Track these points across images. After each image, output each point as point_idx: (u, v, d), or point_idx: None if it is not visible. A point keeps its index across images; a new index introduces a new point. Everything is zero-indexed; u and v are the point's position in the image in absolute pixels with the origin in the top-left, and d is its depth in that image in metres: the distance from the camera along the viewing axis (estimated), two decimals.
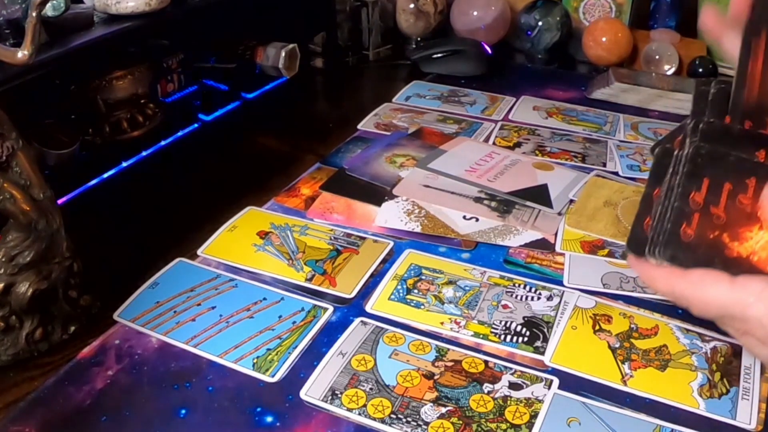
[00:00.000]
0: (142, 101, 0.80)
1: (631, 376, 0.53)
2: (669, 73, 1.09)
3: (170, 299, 0.60)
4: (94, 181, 0.77)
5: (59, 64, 0.67)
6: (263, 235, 0.69)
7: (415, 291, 0.62)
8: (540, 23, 1.13)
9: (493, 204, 0.74)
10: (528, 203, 0.74)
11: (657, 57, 1.10)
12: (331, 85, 1.13)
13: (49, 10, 0.66)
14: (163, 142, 0.84)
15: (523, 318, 0.59)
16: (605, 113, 0.97)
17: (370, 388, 0.52)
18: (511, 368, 0.54)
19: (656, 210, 0.45)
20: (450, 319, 0.59)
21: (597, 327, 0.58)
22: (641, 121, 0.95)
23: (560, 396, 0.51)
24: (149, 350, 0.55)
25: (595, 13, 1.18)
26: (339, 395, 0.51)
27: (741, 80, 0.44)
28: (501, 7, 1.17)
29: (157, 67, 0.83)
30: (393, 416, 0.50)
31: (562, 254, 0.67)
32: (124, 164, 0.80)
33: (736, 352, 0.55)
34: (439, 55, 1.09)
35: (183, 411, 0.50)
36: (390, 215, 0.72)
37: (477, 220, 0.71)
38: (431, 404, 0.51)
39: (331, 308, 0.60)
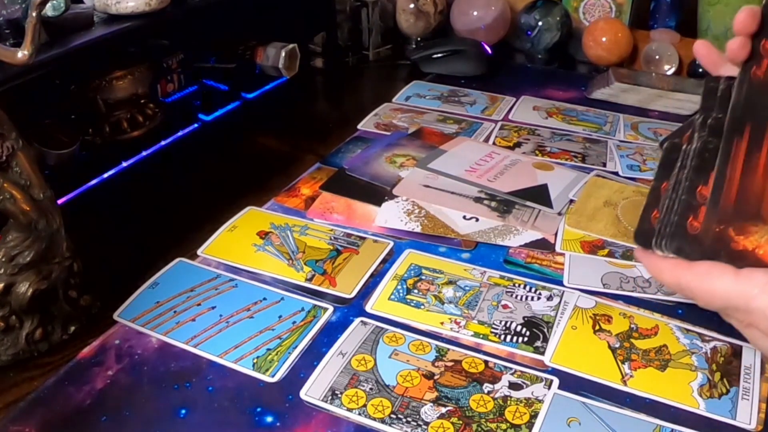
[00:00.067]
0: (142, 101, 0.80)
1: (631, 376, 0.53)
2: (669, 73, 1.09)
3: (170, 299, 0.60)
4: (94, 181, 0.77)
5: (59, 64, 0.67)
6: (263, 235, 0.69)
7: (415, 291, 0.62)
8: (540, 23, 1.13)
9: (493, 204, 0.74)
10: (528, 203, 0.74)
11: (657, 57, 1.10)
12: (331, 85, 1.13)
13: (49, 10, 0.66)
14: (163, 142, 0.84)
15: (523, 318, 0.59)
16: (605, 113, 0.97)
17: (370, 388, 0.52)
18: (511, 368, 0.54)
19: (664, 203, 0.46)
20: (450, 319, 0.59)
21: (597, 327, 0.58)
22: (641, 121, 0.95)
23: (560, 396, 0.51)
24: (149, 350, 0.55)
25: (595, 13, 1.18)
26: (339, 395, 0.51)
27: (720, 181, 0.44)
28: (501, 7, 1.17)
29: (157, 67, 0.83)
30: (393, 416, 0.50)
31: (562, 254, 0.67)
32: (124, 164, 0.80)
33: (736, 352, 0.55)
34: (439, 55, 1.09)
35: (183, 411, 0.50)
36: (390, 215, 0.72)
37: (477, 220, 0.71)
38: (431, 404, 0.51)
39: (331, 308, 0.60)
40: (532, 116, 0.95)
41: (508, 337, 0.57)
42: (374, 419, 0.49)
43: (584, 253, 0.67)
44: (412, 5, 1.16)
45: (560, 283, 0.63)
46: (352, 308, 0.60)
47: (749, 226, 0.43)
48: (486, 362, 0.54)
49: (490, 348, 0.56)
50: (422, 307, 0.60)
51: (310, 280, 0.63)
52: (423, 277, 0.63)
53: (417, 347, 0.56)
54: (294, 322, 0.58)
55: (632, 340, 0.56)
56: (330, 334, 0.57)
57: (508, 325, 0.58)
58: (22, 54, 0.52)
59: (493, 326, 0.58)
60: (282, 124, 0.95)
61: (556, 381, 0.53)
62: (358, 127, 0.92)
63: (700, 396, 0.51)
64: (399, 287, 0.62)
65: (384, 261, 0.65)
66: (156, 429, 0.49)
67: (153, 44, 0.83)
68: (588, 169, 0.82)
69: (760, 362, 0.54)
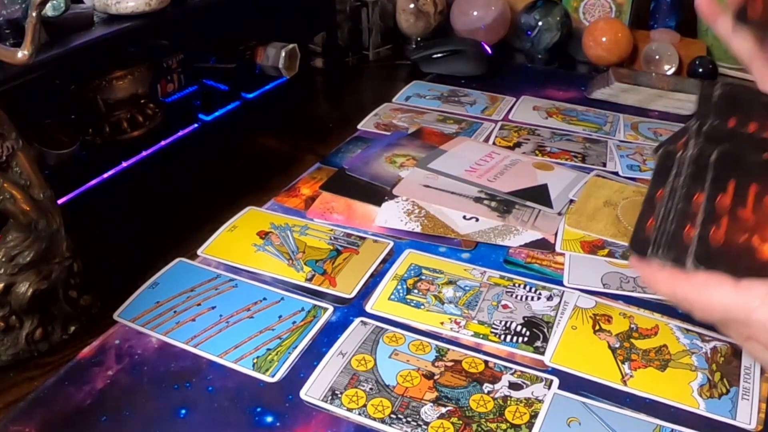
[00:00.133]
0: (142, 101, 0.80)
1: (631, 376, 0.53)
2: (669, 73, 1.09)
3: (170, 299, 0.60)
4: (94, 181, 0.77)
5: (59, 64, 0.67)
6: (263, 235, 0.69)
7: (415, 291, 0.62)
8: (540, 23, 1.13)
9: (493, 204, 0.74)
10: (528, 203, 0.74)
11: (657, 57, 1.10)
12: (331, 85, 1.13)
13: (49, 10, 0.66)
14: (163, 142, 0.84)
15: (523, 318, 0.59)
16: (605, 113, 0.97)
17: (370, 388, 0.52)
18: (511, 368, 0.54)
19: (659, 211, 0.45)
20: (450, 319, 0.59)
21: (597, 327, 0.58)
22: (641, 121, 0.95)
23: (560, 396, 0.51)
24: (149, 350, 0.55)
25: (595, 13, 1.18)
26: (339, 395, 0.51)
27: (709, 218, 0.44)
28: (501, 7, 1.17)
29: (157, 67, 0.83)
30: (393, 416, 0.50)
31: (562, 254, 0.67)
32: (124, 164, 0.80)
33: (736, 352, 0.55)
34: (439, 55, 1.09)
35: (183, 411, 0.50)
36: (390, 215, 0.72)
37: (477, 220, 0.71)
38: (431, 404, 0.51)
39: (331, 308, 0.60)
40: (532, 116, 0.95)
41: (508, 337, 0.57)
42: (374, 419, 0.49)
43: (584, 253, 0.67)
44: (412, 5, 1.16)
45: (560, 283, 0.63)
46: (352, 308, 0.60)
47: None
48: (486, 362, 0.54)
49: (490, 348, 0.56)
50: (422, 307, 0.60)
51: (310, 280, 0.63)
52: (423, 277, 0.63)
53: (417, 347, 0.56)
54: (294, 322, 0.58)
55: (632, 340, 0.56)
56: (330, 334, 0.57)
57: (508, 325, 0.58)
58: (22, 54, 0.52)
59: (493, 326, 0.58)
60: (282, 124, 0.95)
61: (556, 381, 0.53)
62: (358, 127, 0.92)
63: (700, 396, 0.51)
64: (399, 287, 0.62)
65: (384, 261, 0.65)
66: (156, 429, 0.49)
67: (153, 44, 0.83)
68: (588, 169, 0.82)
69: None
